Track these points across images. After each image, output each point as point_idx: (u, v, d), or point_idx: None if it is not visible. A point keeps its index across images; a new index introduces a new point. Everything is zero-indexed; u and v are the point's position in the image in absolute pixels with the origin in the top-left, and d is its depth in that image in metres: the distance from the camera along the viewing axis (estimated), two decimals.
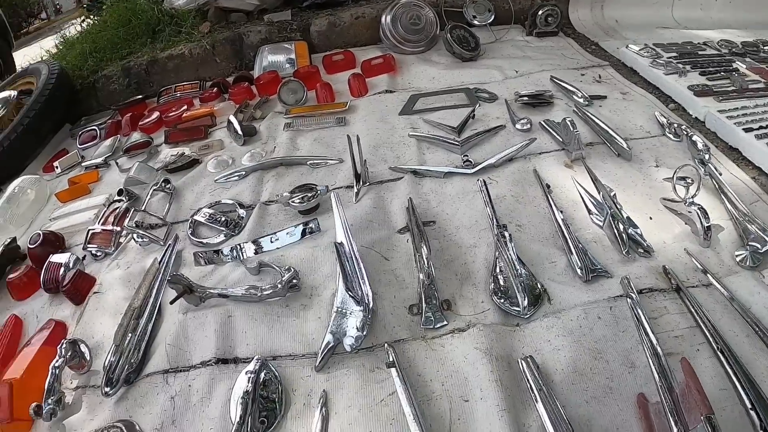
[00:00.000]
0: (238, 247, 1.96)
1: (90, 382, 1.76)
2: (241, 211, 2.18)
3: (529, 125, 2.28)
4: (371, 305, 1.56)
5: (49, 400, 1.64)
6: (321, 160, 2.36)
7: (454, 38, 3.02)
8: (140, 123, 3.12)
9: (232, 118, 2.68)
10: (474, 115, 2.38)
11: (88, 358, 1.77)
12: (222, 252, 1.95)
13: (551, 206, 1.84)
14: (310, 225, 1.98)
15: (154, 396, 1.60)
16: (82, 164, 3.01)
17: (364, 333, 1.52)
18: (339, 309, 1.58)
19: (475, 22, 3.37)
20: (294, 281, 1.69)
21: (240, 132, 2.61)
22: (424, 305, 1.58)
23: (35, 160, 3.37)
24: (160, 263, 1.96)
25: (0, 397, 1.67)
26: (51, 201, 2.85)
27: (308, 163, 2.36)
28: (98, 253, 2.26)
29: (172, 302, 1.69)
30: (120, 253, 2.21)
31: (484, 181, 1.97)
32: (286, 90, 2.88)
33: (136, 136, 2.92)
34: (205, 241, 2.10)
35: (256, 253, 1.94)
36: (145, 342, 1.73)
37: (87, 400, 1.71)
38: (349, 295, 1.57)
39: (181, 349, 1.66)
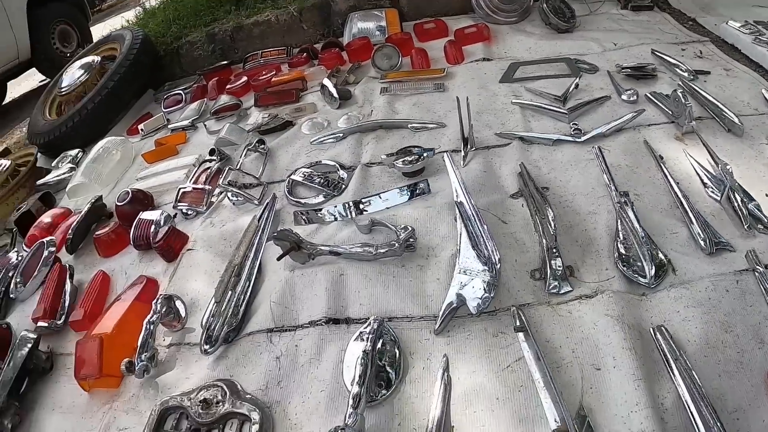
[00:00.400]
0: (347, 205, 1.81)
1: (185, 340, 1.66)
2: (342, 173, 2.03)
3: (635, 96, 2.14)
4: (498, 266, 1.41)
5: (143, 356, 1.55)
6: (423, 124, 2.22)
7: (549, 8, 2.85)
8: (227, 87, 3.05)
9: (327, 82, 2.55)
10: (578, 84, 2.25)
11: (183, 314, 1.68)
12: (328, 211, 1.81)
13: (667, 177, 1.73)
14: (421, 185, 1.83)
15: (257, 355, 1.48)
16: (169, 126, 2.95)
17: (492, 295, 1.38)
18: (463, 269, 1.43)
19: None
20: (410, 240, 1.53)
21: (336, 95, 2.49)
22: (548, 270, 1.45)
23: (118, 123, 3.36)
24: (259, 220, 1.84)
25: (90, 352, 1.60)
26: (137, 162, 2.80)
27: (409, 126, 2.22)
28: (189, 212, 2.17)
29: (279, 258, 1.56)
30: (213, 212, 2.12)
31: (600, 149, 1.85)
32: (381, 55, 2.75)
33: (225, 99, 2.85)
34: (303, 200, 1.97)
35: (361, 213, 1.79)
36: (245, 300, 1.61)
37: (181, 358, 1.62)
38: (475, 254, 1.43)
39: (287, 308, 1.54)
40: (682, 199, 1.62)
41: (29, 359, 1.72)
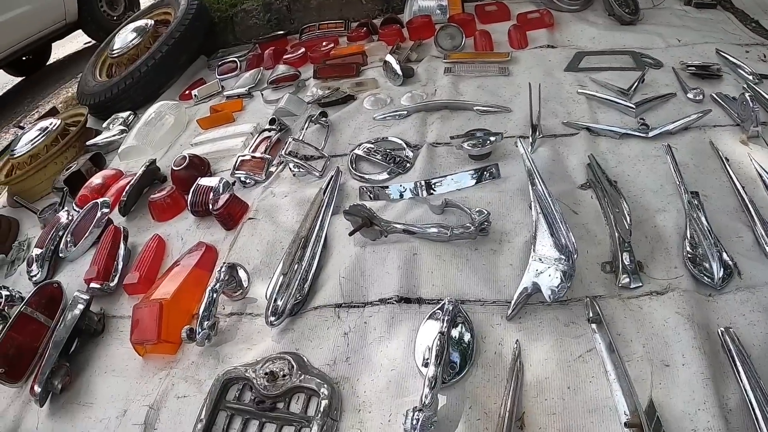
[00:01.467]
0: (419, 183, 1.76)
1: (246, 310, 1.63)
2: (408, 151, 1.98)
3: (701, 96, 2.06)
4: (576, 256, 1.36)
5: (204, 324, 1.52)
6: (488, 108, 2.16)
7: None
8: (284, 57, 3.01)
9: (390, 58, 2.49)
10: (644, 78, 2.18)
11: (245, 284, 1.64)
12: (398, 188, 1.76)
13: (733, 180, 1.68)
14: (492, 169, 1.79)
15: (324, 330, 1.45)
16: (224, 93, 2.92)
17: (568, 284, 1.33)
18: (539, 257, 1.39)
19: None
20: (485, 224, 1.49)
21: (399, 72, 2.42)
22: (620, 263, 1.41)
23: (170, 88, 3.35)
24: (324, 193, 1.79)
25: (148, 317, 1.59)
26: (190, 127, 2.78)
27: (475, 108, 2.16)
28: (248, 180, 2.14)
29: (351, 233, 1.52)
30: (272, 182, 2.09)
31: (670, 146, 1.79)
32: (444, 34, 2.68)
33: (282, 69, 2.80)
34: (367, 176, 1.92)
35: (432, 193, 1.74)
36: (312, 273, 1.57)
37: (242, 328, 1.60)
38: (553, 243, 1.39)
39: (357, 284, 1.50)
40: (748, 203, 1.58)
41: (81, 320, 1.71)
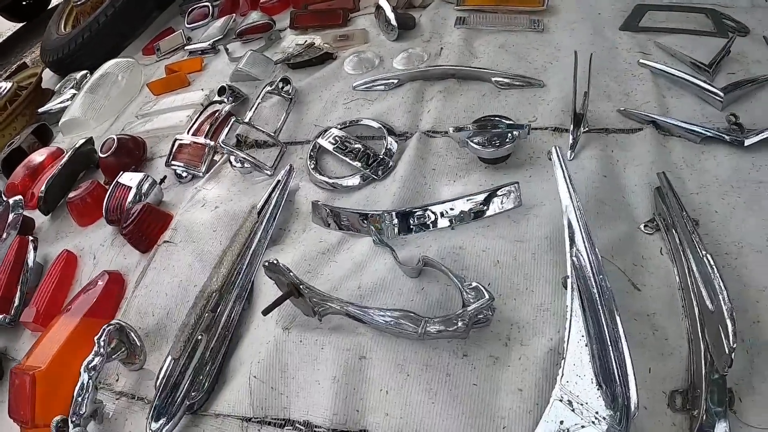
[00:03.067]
0: (389, 217, 1.18)
1: (140, 390, 1.18)
2: (391, 141, 1.42)
3: None
4: (634, 409, 0.76)
5: (75, 418, 1.07)
6: (512, 79, 1.54)
7: None
8: (261, 1, 2.40)
9: (383, 3, 1.87)
10: (729, 50, 1.54)
11: (140, 352, 1.17)
12: (359, 219, 1.20)
13: None
14: (511, 193, 1.15)
15: None
16: (186, 47, 2.39)
17: None
18: (567, 398, 0.78)
19: None
20: (482, 315, 0.91)
21: (393, 22, 1.82)
22: (704, 399, 0.81)
23: (137, 39, 2.86)
24: (260, 215, 1.27)
25: (21, 392, 1.21)
26: (143, 92, 2.27)
27: (493, 80, 1.55)
28: (183, 174, 1.65)
29: (266, 312, 0.98)
30: (210, 180, 1.59)
31: None
32: None
33: (255, 17, 2.22)
34: (332, 180, 1.38)
35: (411, 231, 1.17)
36: (221, 354, 1.07)
37: (131, 419, 1.15)
38: (596, 375, 0.78)
39: (274, 390, 0.99)
40: None
41: None
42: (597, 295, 0.86)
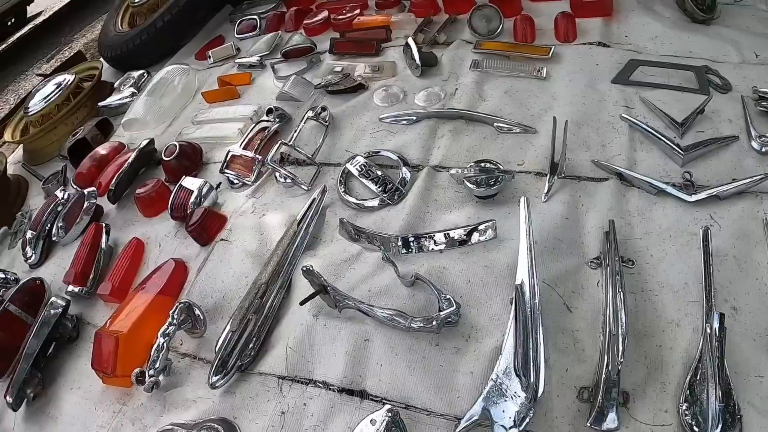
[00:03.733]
0: (393, 239, 1.55)
1: (200, 353, 1.56)
2: (405, 171, 1.77)
3: None
4: (540, 393, 1.13)
5: (152, 371, 1.46)
6: (510, 126, 1.84)
7: None
8: (305, 21, 2.75)
9: (411, 42, 2.21)
10: (704, 110, 1.73)
11: (203, 324, 1.55)
12: (374, 238, 1.57)
13: None
14: (488, 229, 1.49)
15: (264, 402, 1.36)
16: (236, 60, 2.74)
17: (521, 428, 1.11)
18: (499, 382, 1.16)
19: None
20: (451, 318, 1.30)
21: (418, 61, 2.14)
22: (601, 395, 1.14)
23: (191, 42, 3.20)
24: (299, 226, 1.64)
25: (105, 348, 1.55)
26: (197, 98, 2.64)
27: (495, 124, 1.85)
28: (235, 181, 2.01)
29: (303, 302, 1.38)
30: (258, 189, 1.96)
31: (708, 229, 1.38)
32: (480, 15, 2.29)
33: (297, 40, 2.56)
34: (356, 201, 1.74)
35: (410, 251, 1.55)
36: (267, 330, 1.46)
37: (194, 374, 1.53)
38: (517, 373, 1.15)
39: (303, 358, 1.38)
40: None
41: (56, 329, 1.73)
42: (530, 313, 1.21)
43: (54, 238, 2.16)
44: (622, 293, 1.25)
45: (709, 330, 1.17)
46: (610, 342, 1.19)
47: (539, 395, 1.13)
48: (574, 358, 1.25)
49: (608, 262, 1.35)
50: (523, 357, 1.16)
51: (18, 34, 5.71)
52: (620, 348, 1.14)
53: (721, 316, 1.17)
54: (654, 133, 1.68)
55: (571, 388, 1.20)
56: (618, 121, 1.78)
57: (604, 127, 1.78)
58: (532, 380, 1.14)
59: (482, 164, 1.63)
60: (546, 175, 1.64)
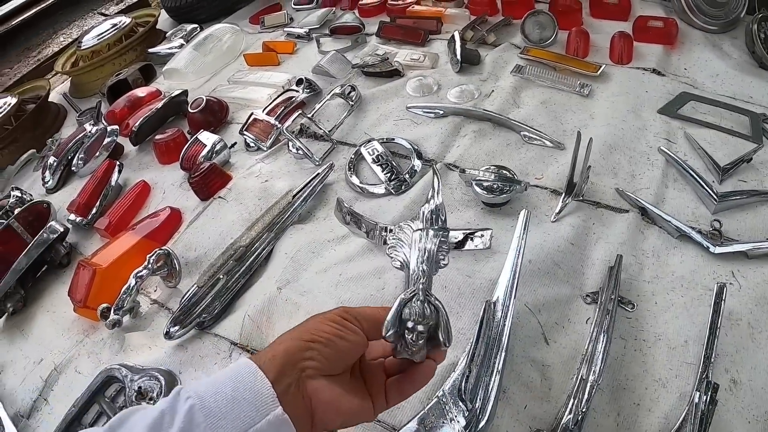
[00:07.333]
0: (379, 231, 1.50)
1: (169, 303, 1.58)
2: (417, 163, 1.74)
3: None
4: (483, 424, 1.03)
5: (118, 310, 1.49)
6: (538, 137, 1.76)
7: (760, 34, 2.05)
8: (361, 2, 2.76)
9: (457, 36, 2.18)
10: (751, 158, 1.61)
11: (178, 275, 1.58)
12: (363, 224, 1.53)
13: None
14: (483, 237, 1.40)
15: (211, 364, 1.36)
16: (285, 29, 2.78)
17: None
18: (441, 399, 1.07)
19: None
20: None
21: (459, 58, 2.11)
22: None
23: (250, 4, 3.27)
24: (294, 197, 1.64)
25: (82, 279, 1.60)
26: (240, 60, 2.69)
27: (522, 133, 1.79)
28: (252, 144, 2.04)
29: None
30: (270, 156, 1.97)
31: (725, 286, 1.21)
32: (533, 22, 2.23)
33: (348, 18, 2.58)
34: (362, 184, 1.72)
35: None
36: (232, 294, 1.47)
37: (156, 321, 1.56)
38: (464, 398, 1.06)
39: (258, 328, 1.37)
40: None
41: (47, 252, 1.80)
42: (496, 336, 1.12)
43: (73, 168, 2.25)
44: (606, 336, 1.15)
45: (696, 399, 1.04)
46: (579, 386, 1.10)
47: (480, 426, 1.03)
48: (538, 395, 1.15)
49: (603, 299, 1.25)
50: (475, 380, 1.07)
51: None
52: (585, 398, 1.05)
53: (715, 386, 1.04)
54: (691, 172, 1.56)
55: (525, 428, 1.10)
56: (655, 153, 1.67)
57: (638, 156, 1.67)
58: (477, 407, 1.05)
59: (498, 169, 1.58)
60: (562, 194, 1.56)
